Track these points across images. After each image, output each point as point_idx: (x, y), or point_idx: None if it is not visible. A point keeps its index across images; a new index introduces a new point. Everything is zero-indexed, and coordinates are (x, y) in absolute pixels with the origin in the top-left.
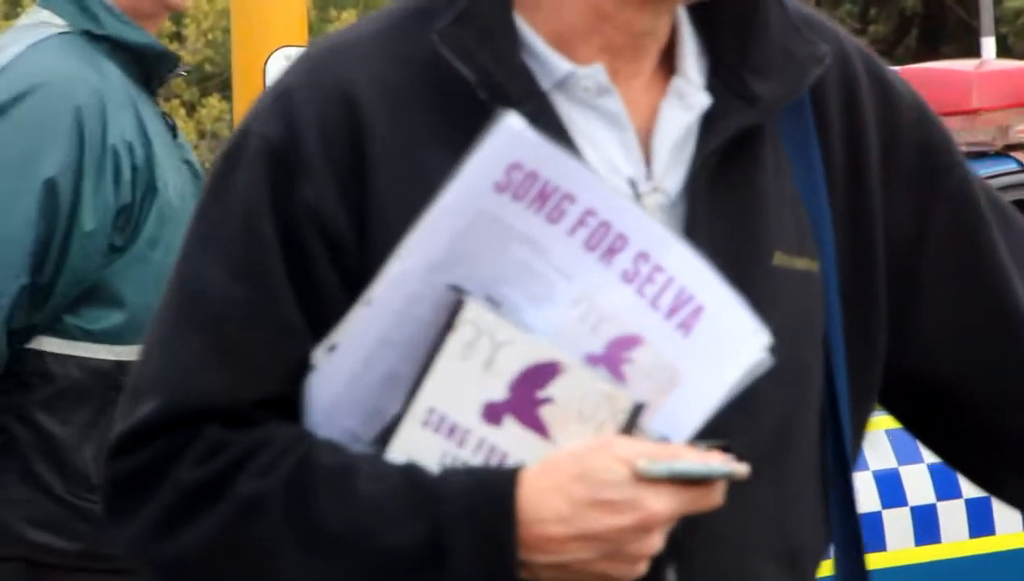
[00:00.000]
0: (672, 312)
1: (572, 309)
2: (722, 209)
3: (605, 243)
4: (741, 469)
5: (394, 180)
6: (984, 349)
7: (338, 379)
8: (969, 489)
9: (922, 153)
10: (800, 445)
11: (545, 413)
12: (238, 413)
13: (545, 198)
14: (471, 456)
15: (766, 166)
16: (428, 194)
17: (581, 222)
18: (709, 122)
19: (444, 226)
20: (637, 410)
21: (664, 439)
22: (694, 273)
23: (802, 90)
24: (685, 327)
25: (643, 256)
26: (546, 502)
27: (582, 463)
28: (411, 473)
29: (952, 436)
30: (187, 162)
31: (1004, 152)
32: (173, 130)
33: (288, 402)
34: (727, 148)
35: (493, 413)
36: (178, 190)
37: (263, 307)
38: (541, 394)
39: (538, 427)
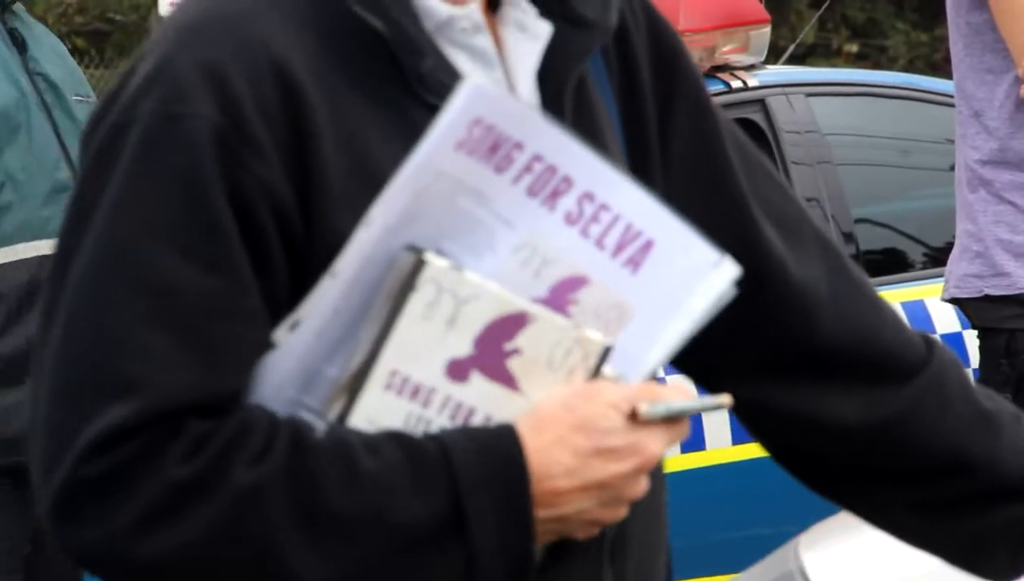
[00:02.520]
0: (619, 249)
1: (513, 256)
2: (580, 132)
3: (549, 187)
4: (725, 399)
5: (332, 155)
6: None
7: (294, 354)
8: None
9: (661, 64)
10: None
11: (513, 365)
12: (216, 405)
13: (496, 149)
14: (437, 415)
15: (594, 88)
16: (365, 166)
17: (527, 168)
18: (552, 49)
19: (407, 190)
20: (604, 353)
21: (621, 377)
22: (643, 210)
23: (617, 12)
24: (633, 263)
25: (588, 196)
26: (553, 457)
27: (578, 413)
28: (405, 443)
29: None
30: (39, 74)
31: (711, 73)
32: (21, 44)
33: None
34: (574, 73)
35: (458, 370)
36: (11, 99)
37: (232, 296)
38: (508, 346)
39: (506, 380)
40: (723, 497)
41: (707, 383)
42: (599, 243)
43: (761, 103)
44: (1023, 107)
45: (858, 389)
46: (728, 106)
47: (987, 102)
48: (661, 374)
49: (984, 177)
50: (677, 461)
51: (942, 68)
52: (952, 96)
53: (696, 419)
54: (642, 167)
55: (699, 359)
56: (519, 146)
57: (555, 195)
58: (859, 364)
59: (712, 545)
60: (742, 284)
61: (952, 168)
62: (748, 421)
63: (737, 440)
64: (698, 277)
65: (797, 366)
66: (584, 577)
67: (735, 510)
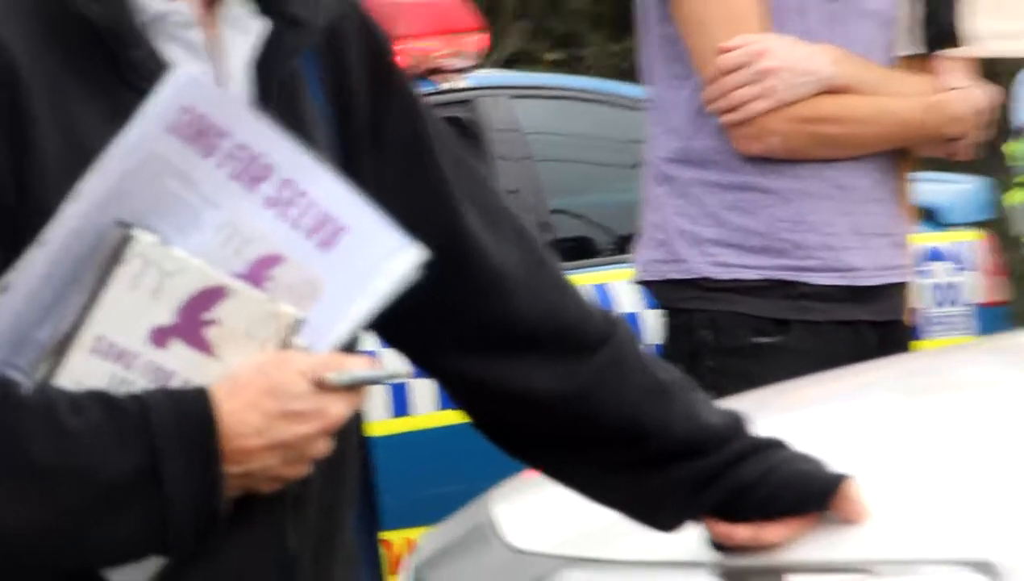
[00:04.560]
0: (313, 231)
1: (216, 234)
2: (287, 127)
3: (251, 173)
4: (403, 371)
5: (48, 134)
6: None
7: (3, 317)
8: None
9: (376, 68)
10: None
11: (211, 334)
12: None
13: (202, 135)
14: (139, 378)
15: (306, 84)
16: (80, 146)
17: (231, 155)
18: (267, 45)
19: (116, 167)
20: (296, 325)
21: (310, 348)
22: (338, 197)
23: (327, 13)
24: (326, 245)
25: (287, 183)
26: (243, 418)
27: (268, 379)
28: (107, 402)
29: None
30: None
31: (426, 75)
32: None
33: None
34: (287, 68)
35: (160, 337)
36: None
37: None
38: (206, 316)
39: (204, 347)
40: (429, 458)
41: (416, 357)
42: (295, 225)
43: (470, 103)
44: (704, 111)
45: (548, 362)
46: (440, 105)
47: (673, 105)
48: (375, 349)
49: (669, 174)
50: (388, 425)
51: (631, 75)
52: (640, 100)
53: (402, 388)
54: (354, 159)
55: (408, 336)
56: (224, 134)
57: (256, 180)
58: (549, 340)
59: (419, 501)
60: (447, 267)
61: (637, 166)
62: (452, 391)
63: (443, 406)
64: (385, 260)
65: (495, 342)
66: (267, 528)
67: (439, 469)
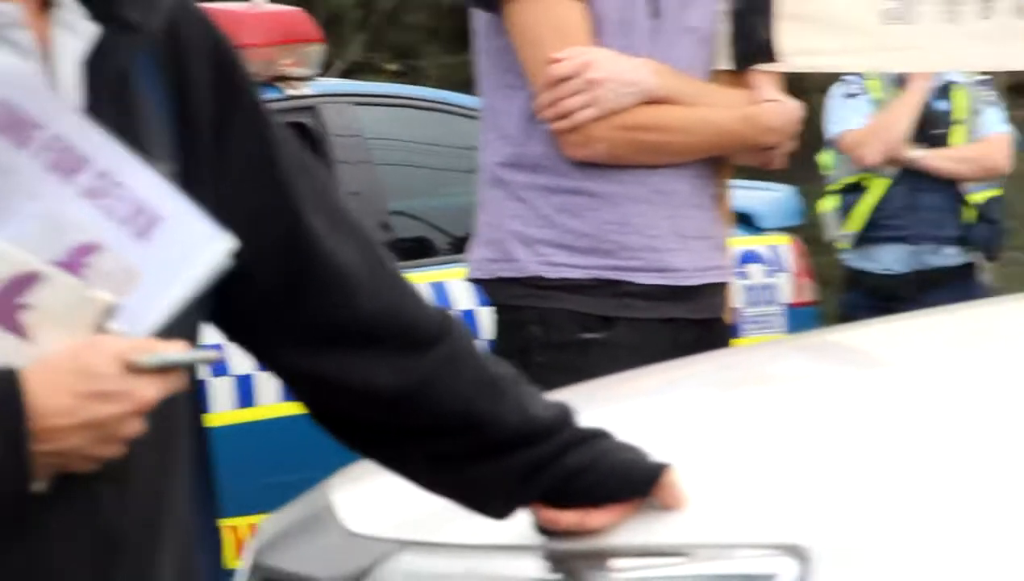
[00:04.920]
0: (129, 221)
1: (33, 224)
2: (119, 128)
3: (66, 164)
4: (212, 354)
5: None
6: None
7: None
8: None
9: (222, 75)
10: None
11: (26, 318)
12: None
13: (16, 126)
14: None
15: (136, 84)
16: None
17: (46, 147)
18: (97, 49)
19: None
20: (110, 310)
21: (126, 332)
22: (154, 189)
23: (162, 15)
24: (142, 234)
25: (104, 174)
26: (53, 398)
27: (79, 361)
28: None
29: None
30: None
31: (270, 82)
32: None
33: None
34: (117, 72)
35: None
36: None
37: None
38: (21, 301)
39: (19, 331)
40: (272, 446)
41: (259, 354)
42: (111, 215)
43: (313, 110)
44: (535, 119)
45: (387, 358)
46: (284, 112)
47: (506, 114)
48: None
49: (502, 178)
50: (234, 415)
51: (467, 86)
52: (474, 109)
53: (248, 379)
54: (192, 158)
55: (253, 333)
56: (39, 126)
57: (72, 172)
58: (388, 336)
59: (263, 488)
60: (290, 267)
61: (473, 171)
62: (294, 386)
63: (286, 398)
64: (198, 249)
65: (336, 338)
66: (85, 505)
67: (282, 458)
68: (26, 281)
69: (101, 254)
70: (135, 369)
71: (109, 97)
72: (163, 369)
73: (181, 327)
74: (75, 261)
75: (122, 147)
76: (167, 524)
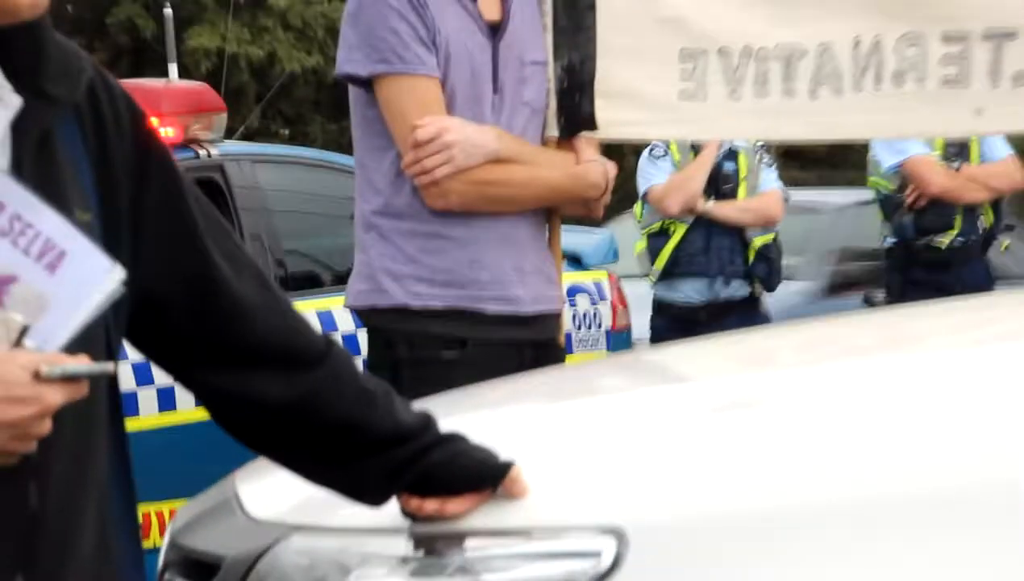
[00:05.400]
0: (40, 256)
1: None
2: (40, 181)
3: None
4: (109, 367)
5: None
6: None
7: None
8: None
9: (139, 138)
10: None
11: None
12: None
13: None
14: None
15: (58, 145)
16: None
17: None
18: (21, 116)
19: None
20: (24, 330)
21: (38, 349)
22: (60, 229)
23: (81, 90)
24: (51, 267)
25: (17, 217)
26: None
27: None
28: None
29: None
30: None
31: (184, 145)
32: None
33: None
34: (39, 135)
35: None
36: None
37: None
38: None
39: None
40: (189, 444)
41: (174, 371)
42: (26, 251)
43: (220, 168)
44: (401, 175)
45: (278, 375)
46: (195, 169)
47: (376, 170)
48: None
49: (374, 223)
50: (157, 419)
51: (346, 149)
52: (352, 167)
53: (171, 390)
54: (112, 209)
55: (168, 354)
56: None
57: None
58: (279, 357)
59: (184, 479)
60: (198, 299)
61: (352, 217)
62: (201, 397)
63: (199, 405)
64: (97, 280)
65: (236, 358)
66: (11, 493)
67: (198, 454)
68: None
69: (18, 284)
70: (43, 378)
71: (32, 156)
72: (67, 379)
73: (88, 343)
74: None
75: (35, 196)
76: (87, 509)
